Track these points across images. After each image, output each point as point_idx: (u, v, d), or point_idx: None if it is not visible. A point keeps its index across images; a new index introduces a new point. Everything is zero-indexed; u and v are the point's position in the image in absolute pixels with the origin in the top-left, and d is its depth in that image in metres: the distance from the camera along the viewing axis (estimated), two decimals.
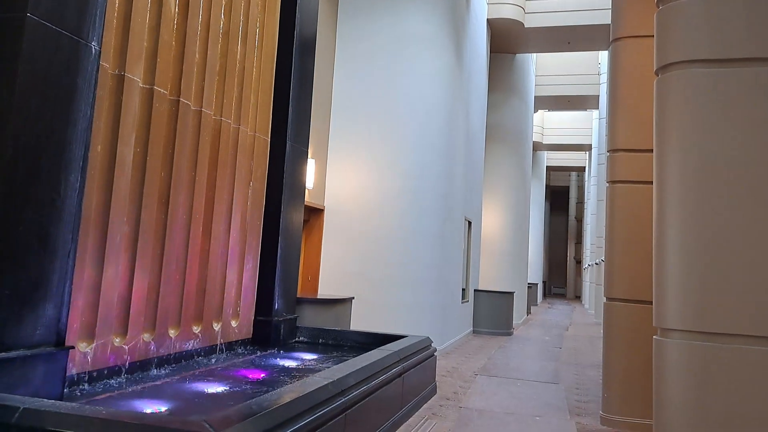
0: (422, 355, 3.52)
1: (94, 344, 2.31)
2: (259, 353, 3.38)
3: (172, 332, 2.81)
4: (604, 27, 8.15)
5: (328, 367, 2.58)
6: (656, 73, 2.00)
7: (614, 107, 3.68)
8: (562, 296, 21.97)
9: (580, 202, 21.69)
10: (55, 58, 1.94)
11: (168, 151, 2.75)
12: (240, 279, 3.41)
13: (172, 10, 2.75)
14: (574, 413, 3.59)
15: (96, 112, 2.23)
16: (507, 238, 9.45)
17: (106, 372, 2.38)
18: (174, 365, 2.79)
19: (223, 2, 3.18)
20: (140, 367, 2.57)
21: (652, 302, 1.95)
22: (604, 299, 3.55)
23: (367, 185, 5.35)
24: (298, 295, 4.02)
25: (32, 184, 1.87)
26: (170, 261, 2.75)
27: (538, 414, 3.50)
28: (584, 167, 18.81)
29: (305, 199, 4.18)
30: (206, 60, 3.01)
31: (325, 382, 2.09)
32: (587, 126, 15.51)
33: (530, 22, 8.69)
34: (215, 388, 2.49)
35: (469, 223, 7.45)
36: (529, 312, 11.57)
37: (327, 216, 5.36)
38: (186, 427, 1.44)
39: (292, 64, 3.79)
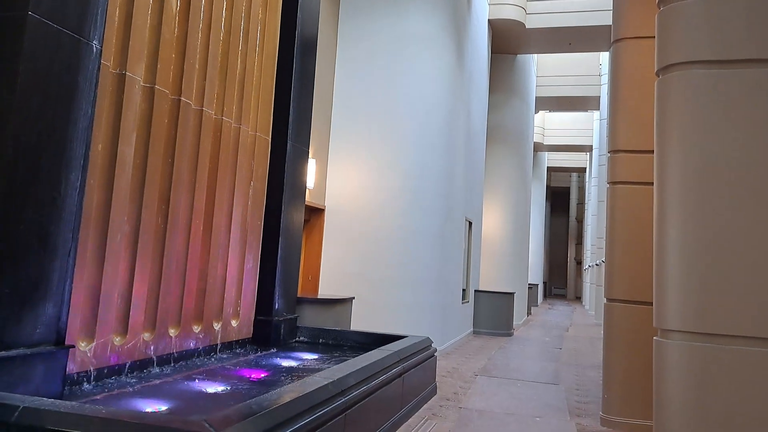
0: (422, 355, 3.52)
1: (94, 343, 2.31)
2: (259, 353, 3.38)
3: (172, 332, 2.81)
4: (605, 28, 8.15)
5: (329, 367, 2.57)
6: (657, 74, 2.00)
7: (615, 108, 3.68)
8: (562, 297, 21.95)
9: (581, 203, 21.68)
10: (56, 57, 1.94)
11: (169, 150, 2.75)
12: (240, 278, 3.40)
13: (174, 9, 2.75)
14: (574, 414, 3.59)
15: (97, 111, 2.23)
16: (507, 238, 9.45)
17: (106, 371, 2.38)
18: (174, 365, 2.79)
19: (225, 1, 3.18)
20: (140, 366, 2.57)
21: (652, 303, 1.95)
22: (605, 300, 3.55)
23: (367, 185, 5.34)
24: (298, 295, 4.02)
25: (33, 182, 1.87)
26: (170, 260, 2.75)
27: (539, 415, 3.50)
28: (585, 168, 18.80)
29: (306, 198, 4.18)
30: (207, 59, 3.01)
31: (325, 382, 2.09)
32: (588, 127, 15.50)
33: (531, 22, 8.70)
34: (215, 387, 2.49)
35: (470, 223, 7.44)
36: (529, 313, 11.56)
37: (328, 216, 5.36)
38: (186, 426, 1.44)
39: (293, 64, 3.80)
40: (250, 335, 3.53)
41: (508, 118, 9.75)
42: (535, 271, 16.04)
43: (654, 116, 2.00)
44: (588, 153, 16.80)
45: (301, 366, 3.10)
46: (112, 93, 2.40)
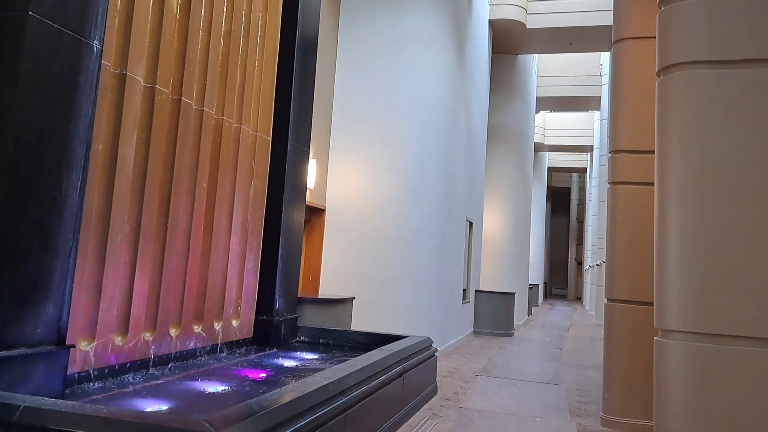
0: (423, 355, 3.52)
1: (94, 343, 2.31)
2: (259, 353, 3.38)
3: (173, 331, 2.81)
4: (606, 28, 8.14)
5: (329, 367, 2.57)
6: (658, 75, 2.00)
7: (616, 108, 3.67)
8: (563, 297, 21.93)
9: (582, 204, 21.66)
10: (56, 57, 1.95)
11: (169, 150, 2.75)
12: (241, 278, 3.41)
13: (174, 10, 2.76)
14: (575, 414, 3.59)
15: (97, 111, 2.24)
16: (508, 238, 9.44)
17: (106, 371, 2.38)
18: (175, 364, 2.79)
19: (225, 2, 3.19)
20: (141, 366, 2.57)
21: (653, 303, 1.95)
22: (605, 300, 3.55)
23: (367, 185, 5.35)
24: (298, 295, 4.02)
25: (34, 182, 1.87)
26: (171, 260, 2.75)
27: (539, 415, 3.49)
28: (585, 168, 18.79)
29: (306, 199, 4.18)
30: (208, 59, 3.01)
31: (326, 382, 2.09)
32: (589, 127, 15.49)
33: (532, 23, 8.69)
34: (216, 387, 2.49)
35: (470, 223, 7.44)
36: (529, 313, 11.55)
37: (328, 216, 5.37)
38: (187, 426, 1.44)
39: (294, 64, 3.80)
40: (251, 335, 3.53)
41: (509, 119, 9.74)
42: (536, 271, 16.04)
43: (655, 116, 2.00)
44: (589, 153, 16.79)
45: (301, 366, 3.10)
46: (113, 93, 2.40)
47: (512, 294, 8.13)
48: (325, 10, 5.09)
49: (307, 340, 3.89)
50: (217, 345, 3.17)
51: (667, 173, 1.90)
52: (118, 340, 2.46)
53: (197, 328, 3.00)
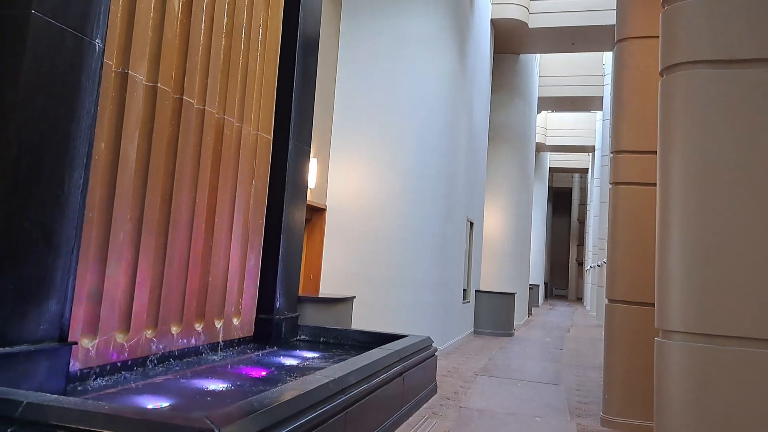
0: (423, 354, 3.52)
1: (96, 340, 2.32)
2: (260, 351, 3.39)
3: (174, 329, 2.82)
4: (608, 28, 8.11)
5: (329, 366, 2.58)
6: (661, 74, 2.00)
7: (618, 108, 3.66)
8: (563, 298, 21.91)
9: (583, 204, 21.62)
10: (59, 55, 1.95)
11: (171, 149, 2.76)
12: (242, 277, 3.41)
13: (176, 9, 2.76)
14: (575, 414, 3.59)
15: (99, 110, 2.24)
16: (509, 239, 9.43)
17: (108, 368, 2.39)
18: (176, 362, 2.80)
19: (227, 1, 3.19)
20: (143, 363, 2.59)
21: (653, 304, 1.95)
22: (606, 301, 3.54)
23: (368, 185, 5.35)
24: (299, 294, 4.03)
25: (36, 181, 1.88)
26: (173, 259, 2.76)
27: (539, 415, 3.50)
28: (587, 169, 18.75)
29: (307, 198, 4.18)
30: (209, 58, 3.02)
31: (326, 381, 2.09)
32: (590, 127, 15.45)
33: (534, 22, 8.67)
34: (217, 385, 2.50)
35: (471, 223, 7.44)
36: (530, 313, 11.54)
37: (329, 215, 5.37)
38: (188, 423, 1.45)
39: (295, 63, 3.80)
40: (252, 333, 3.54)
41: (511, 118, 9.73)
42: (537, 271, 16.01)
43: (657, 116, 2.00)
44: (590, 153, 16.74)
45: (302, 364, 3.11)
46: (115, 91, 2.41)
47: (513, 294, 8.13)
48: (326, 10, 5.09)
49: (307, 338, 3.89)
50: (218, 343, 3.18)
51: (669, 173, 1.89)
52: (120, 338, 2.47)
53: (198, 326, 3.01)
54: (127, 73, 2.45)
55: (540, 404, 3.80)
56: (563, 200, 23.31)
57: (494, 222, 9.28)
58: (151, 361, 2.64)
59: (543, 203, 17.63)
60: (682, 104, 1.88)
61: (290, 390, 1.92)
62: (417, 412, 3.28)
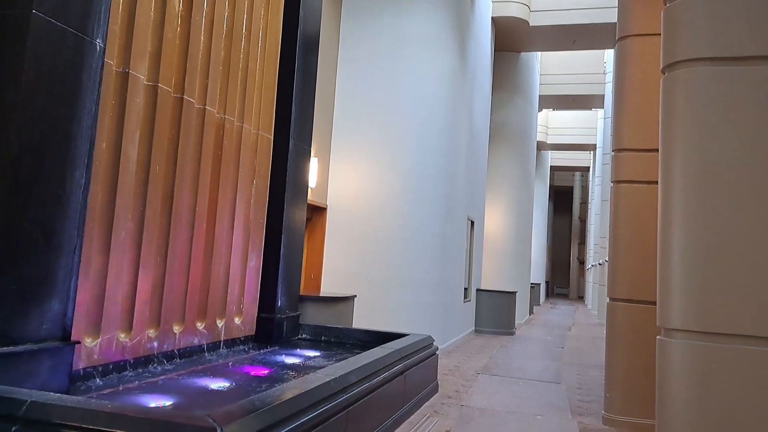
0: (424, 353, 3.53)
1: (99, 339, 2.33)
2: (261, 350, 3.40)
3: (176, 328, 2.83)
4: (610, 25, 8.08)
5: (331, 365, 2.59)
6: (663, 72, 1.99)
7: (620, 106, 3.65)
8: (564, 297, 21.89)
9: (584, 203, 21.58)
10: (60, 55, 1.95)
11: (172, 148, 2.76)
12: (243, 276, 3.42)
13: (176, 8, 2.76)
14: (576, 413, 3.59)
15: (100, 109, 2.25)
16: (510, 237, 9.42)
17: (111, 367, 2.40)
18: (178, 361, 2.81)
19: (227, 0, 3.19)
20: (145, 362, 2.60)
21: (655, 302, 1.94)
22: (607, 299, 3.54)
23: (368, 185, 5.35)
24: (300, 293, 4.04)
25: (38, 181, 1.89)
26: (174, 258, 2.77)
27: (540, 413, 3.50)
28: (588, 167, 18.70)
29: (308, 197, 4.18)
30: (210, 58, 3.02)
31: (328, 379, 2.10)
32: (592, 125, 15.41)
33: (535, 20, 8.64)
34: (218, 383, 2.51)
35: (472, 222, 7.43)
36: (531, 312, 11.54)
37: (329, 215, 5.37)
38: (190, 421, 1.45)
39: (296, 63, 3.80)
40: (253, 332, 3.55)
41: (512, 117, 9.70)
42: (538, 270, 16.01)
43: (659, 114, 1.99)
44: (591, 152, 16.71)
45: (303, 363, 3.12)
46: (116, 91, 2.41)
47: (514, 293, 8.12)
48: (326, 10, 5.08)
49: (308, 337, 3.90)
50: (219, 342, 3.18)
51: (671, 171, 1.89)
52: (123, 337, 2.48)
53: (200, 325, 3.02)
54: (128, 72, 2.45)
55: (541, 403, 3.80)
56: (564, 199, 23.27)
57: (495, 221, 9.28)
58: (153, 360, 2.65)
59: (544, 202, 17.60)
60: (684, 102, 1.87)
61: (292, 389, 1.92)
62: (418, 411, 3.29)
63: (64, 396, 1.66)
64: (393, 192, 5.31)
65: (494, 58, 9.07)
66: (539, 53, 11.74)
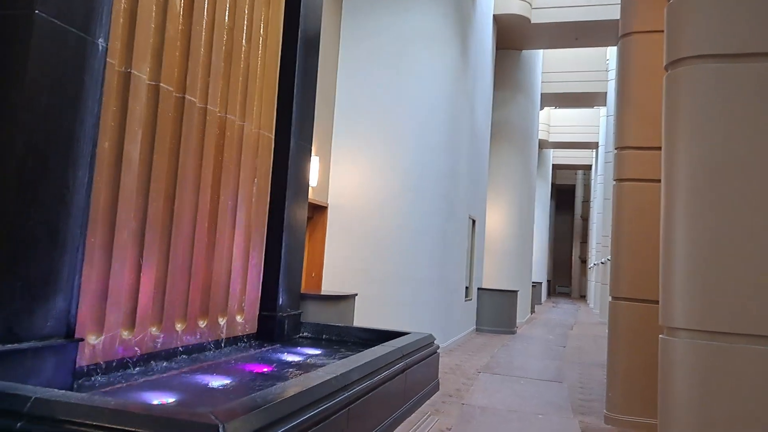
0: (425, 351, 3.53)
1: (102, 337, 2.35)
2: (263, 348, 3.42)
3: (178, 326, 2.84)
4: (612, 22, 8.04)
5: (332, 363, 2.59)
6: (666, 69, 1.97)
7: (623, 104, 3.63)
8: (566, 295, 21.85)
9: (586, 201, 21.50)
10: (62, 55, 1.96)
11: (174, 147, 2.77)
12: (245, 274, 3.44)
13: (178, 8, 2.77)
14: (578, 412, 3.59)
15: (103, 109, 2.26)
16: (511, 236, 9.41)
17: (114, 364, 2.42)
18: (180, 358, 2.83)
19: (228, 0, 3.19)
20: (147, 359, 2.61)
21: (657, 301, 1.94)
22: (610, 298, 3.53)
23: (369, 184, 5.35)
24: (302, 291, 4.05)
25: (41, 180, 1.90)
26: (176, 256, 2.78)
27: (541, 412, 3.50)
28: (590, 165, 18.63)
29: (309, 196, 4.19)
30: (211, 57, 3.03)
31: (329, 377, 2.11)
32: (594, 123, 15.34)
33: (537, 17, 8.60)
34: (221, 381, 2.53)
35: (473, 221, 7.42)
36: (533, 311, 11.53)
37: (330, 213, 5.38)
38: (193, 418, 1.47)
39: (296, 61, 3.80)
40: (255, 330, 3.56)
41: (513, 115, 9.67)
42: (539, 269, 15.98)
43: (662, 112, 1.98)
44: (594, 150, 16.63)
45: (304, 361, 3.13)
46: (118, 91, 2.42)
47: (515, 292, 8.11)
48: (327, 8, 5.07)
49: (310, 335, 3.92)
50: (221, 340, 3.20)
51: (674, 169, 1.88)
52: (126, 334, 2.49)
53: (202, 323, 3.04)
54: (130, 72, 2.46)
55: (542, 401, 3.80)
56: (566, 197, 23.19)
57: (497, 219, 9.26)
58: (156, 357, 2.67)
59: (546, 200, 17.55)
60: (687, 99, 1.86)
61: (293, 386, 1.93)
62: (419, 409, 3.29)
63: (69, 393, 1.67)
64: (394, 190, 5.31)
65: (496, 56, 9.03)
66: (541, 51, 11.68)
